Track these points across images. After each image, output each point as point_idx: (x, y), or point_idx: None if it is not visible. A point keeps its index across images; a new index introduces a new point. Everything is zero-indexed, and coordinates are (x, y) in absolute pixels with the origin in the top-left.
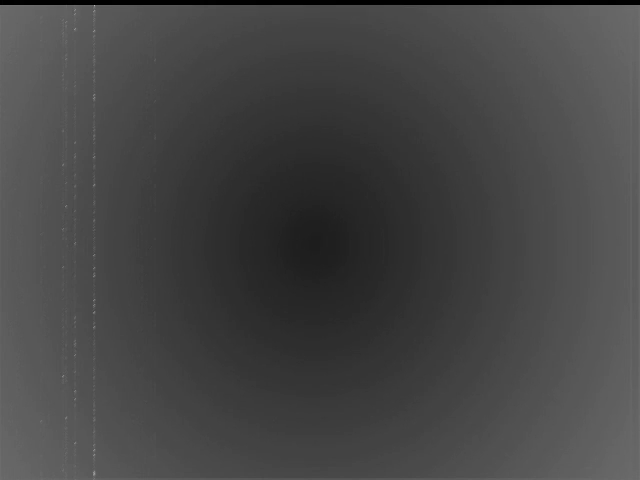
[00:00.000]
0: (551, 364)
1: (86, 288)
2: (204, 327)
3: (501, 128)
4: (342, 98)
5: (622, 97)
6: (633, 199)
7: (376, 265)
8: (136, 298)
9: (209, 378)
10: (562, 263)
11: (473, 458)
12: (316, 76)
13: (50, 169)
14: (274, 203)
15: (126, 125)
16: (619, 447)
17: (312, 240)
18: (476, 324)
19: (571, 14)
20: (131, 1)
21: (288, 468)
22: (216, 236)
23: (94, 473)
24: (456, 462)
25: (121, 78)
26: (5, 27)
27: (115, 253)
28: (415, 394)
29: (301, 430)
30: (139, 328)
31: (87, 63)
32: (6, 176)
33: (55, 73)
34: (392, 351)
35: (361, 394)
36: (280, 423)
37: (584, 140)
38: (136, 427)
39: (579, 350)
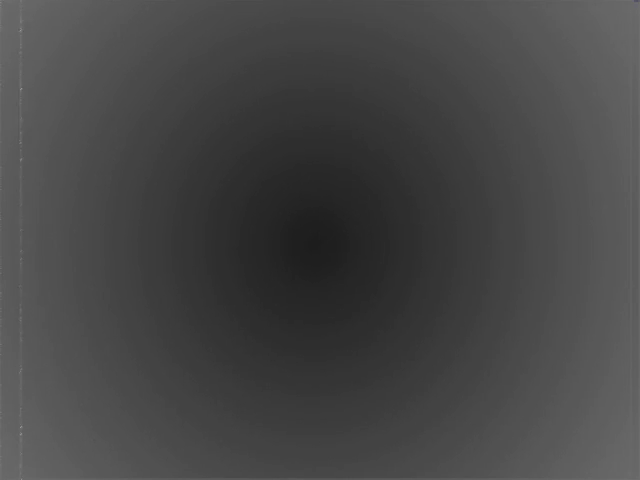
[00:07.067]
0: (551, 364)
1: (85, 287)
2: (204, 327)
3: (500, 126)
4: (342, 98)
5: (622, 95)
6: (633, 198)
7: (376, 265)
8: (136, 298)
9: (209, 378)
10: (562, 262)
11: (473, 458)
12: (316, 76)
13: (49, 168)
14: (274, 203)
15: (125, 125)
16: (619, 447)
17: (312, 240)
18: (476, 323)
19: (570, 10)
20: None
21: (288, 468)
22: (216, 236)
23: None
24: (456, 462)
25: (118, 77)
26: (5, 28)
27: (115, 253)
28: (415, 393)
29: (301, 430)
30: (139, 328)
31: (86, 61)
32: (6, 176)
33: (54, 71)
34: (392, 351)
35: (361, 394)
36: (280, 423)
37: (584, 139)
38: (136, 427)
39: (579, 350)
